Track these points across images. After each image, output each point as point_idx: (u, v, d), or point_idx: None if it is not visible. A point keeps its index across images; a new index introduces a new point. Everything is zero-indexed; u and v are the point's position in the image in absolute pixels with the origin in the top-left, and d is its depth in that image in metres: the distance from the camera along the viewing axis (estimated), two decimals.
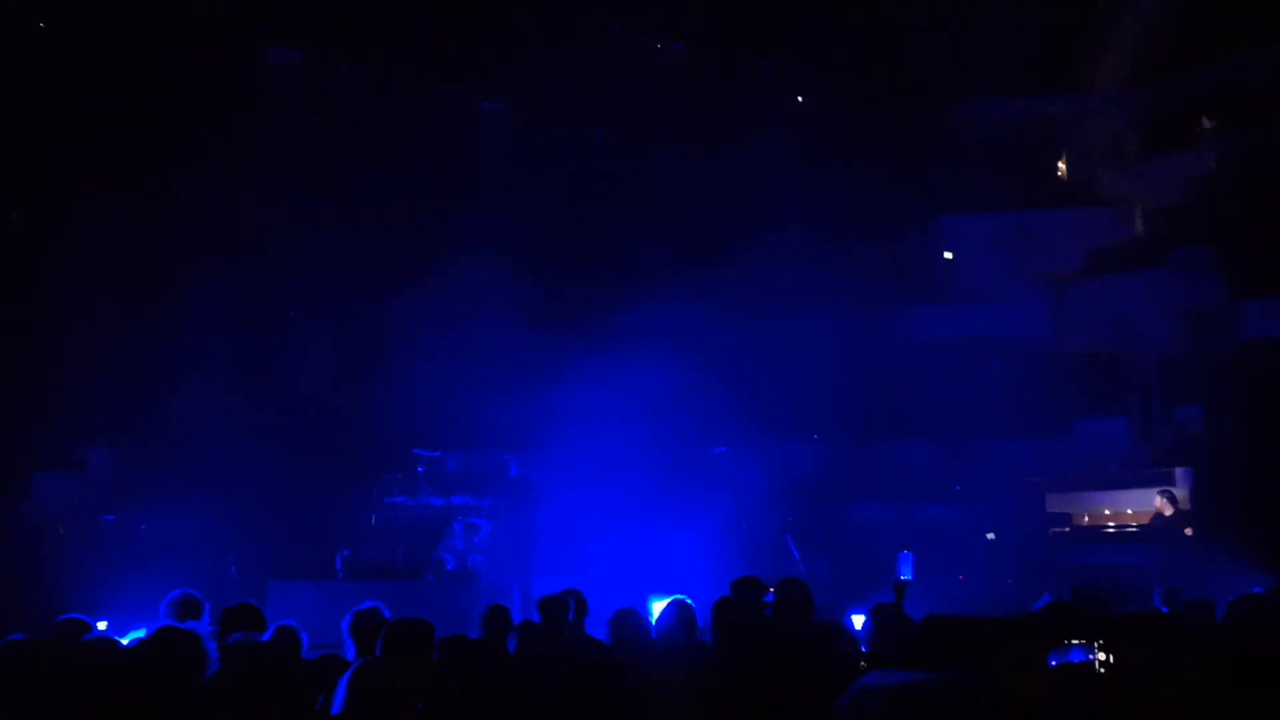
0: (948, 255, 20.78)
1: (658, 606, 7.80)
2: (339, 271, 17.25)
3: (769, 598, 7.41)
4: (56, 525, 13.85)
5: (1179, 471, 14.98)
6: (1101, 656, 4.61)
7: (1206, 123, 19.98)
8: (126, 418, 15.40)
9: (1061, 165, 21.89)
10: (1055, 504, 15.18)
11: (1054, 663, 4.80)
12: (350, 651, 6.35)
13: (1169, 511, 13.72)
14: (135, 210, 16.09)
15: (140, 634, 6.78)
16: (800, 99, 20.40)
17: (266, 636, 6.39)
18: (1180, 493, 14.36)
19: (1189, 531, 13.24)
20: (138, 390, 15.54)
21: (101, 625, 8.93)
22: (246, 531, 13.70)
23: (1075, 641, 4.82)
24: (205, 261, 16.34)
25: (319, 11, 17.39)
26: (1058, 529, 14.34)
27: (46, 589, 11.93)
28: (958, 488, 15.72)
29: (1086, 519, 14.67)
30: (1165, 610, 8.89)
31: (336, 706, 5.14)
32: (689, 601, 6.97)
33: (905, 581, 7.90)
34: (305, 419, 15.62)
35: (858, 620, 7.75)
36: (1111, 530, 14.06)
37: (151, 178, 16.40)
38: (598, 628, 7.46)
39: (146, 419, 15.34)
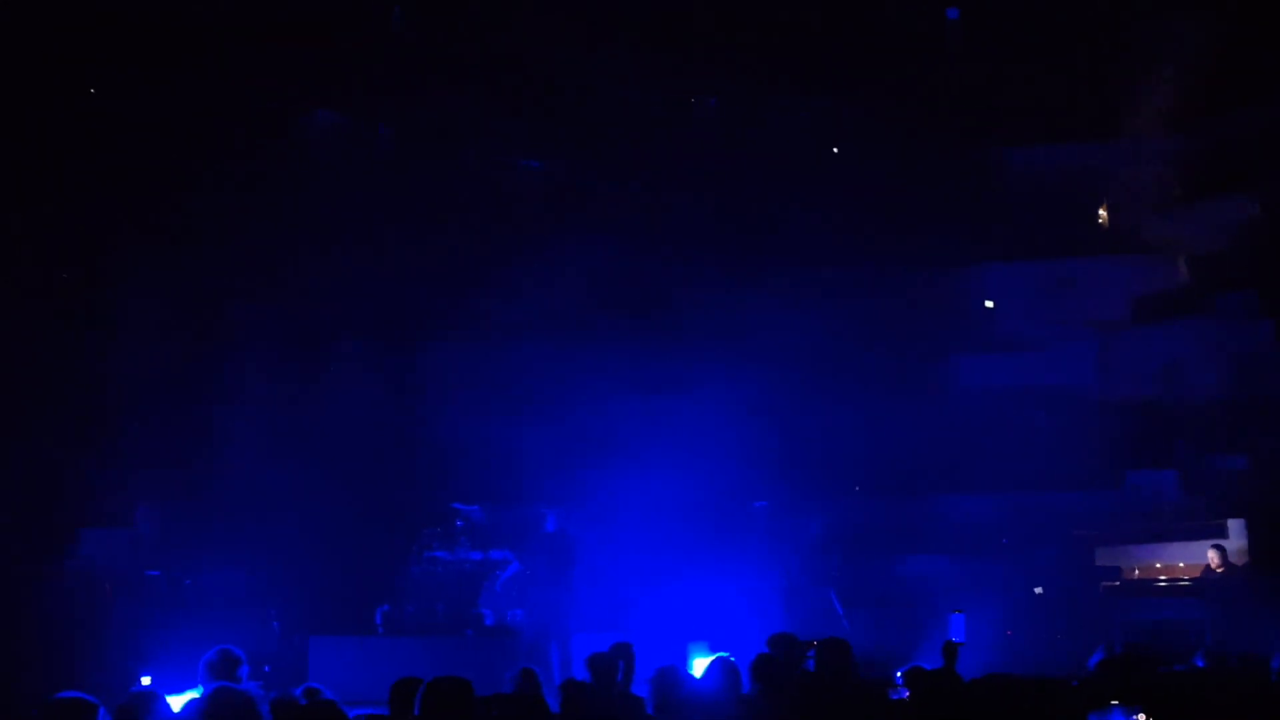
0: (989, 304, 20.63)
1: (700, 664, 7.73)
2: (380, 327, 17.41)
3: (811, 652, 7.33)
4: (103, 581, 13.96)
5: (1231, 523, 14.68)
6: (1142, 718, 4.48)
7: (1250, 167, 19.77)
8: (172, 474, 15.56)
9: (1104, 212, 21.73)
10: (1104, 557, 14.90)
11: None
12: None
13: (1221, 566, 13.42)
14: (182, 268, 16.38)
15: (196, 693, 6.81)
16: (836, 149, 20.42)
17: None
18: (1233, 545, 14.06)
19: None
20: (183, 447, 15.71)
21: (145, 680, 8.99)
22: (289, 587, 13.76)
23: (1115, 703, 4.70)
24: (250, 318, 16.56)
25: (361, 75, 17.74)
26: (1107, 583, 14.06)
27: (93, 644, 12.02)
28: (1004, 541, 15.47)
29: (1137, 572, 14.38)
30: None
31: None
32: (733, 660, 6.90)
33: (957, 644, 7.76)
34: (346, 474, 15.70)
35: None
36: (1163, 584, 13.77)
37: (197, 236, 16.70)
38: (641, 685, 7.39)
39: (191, 475, 15.49)
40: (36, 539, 13.93)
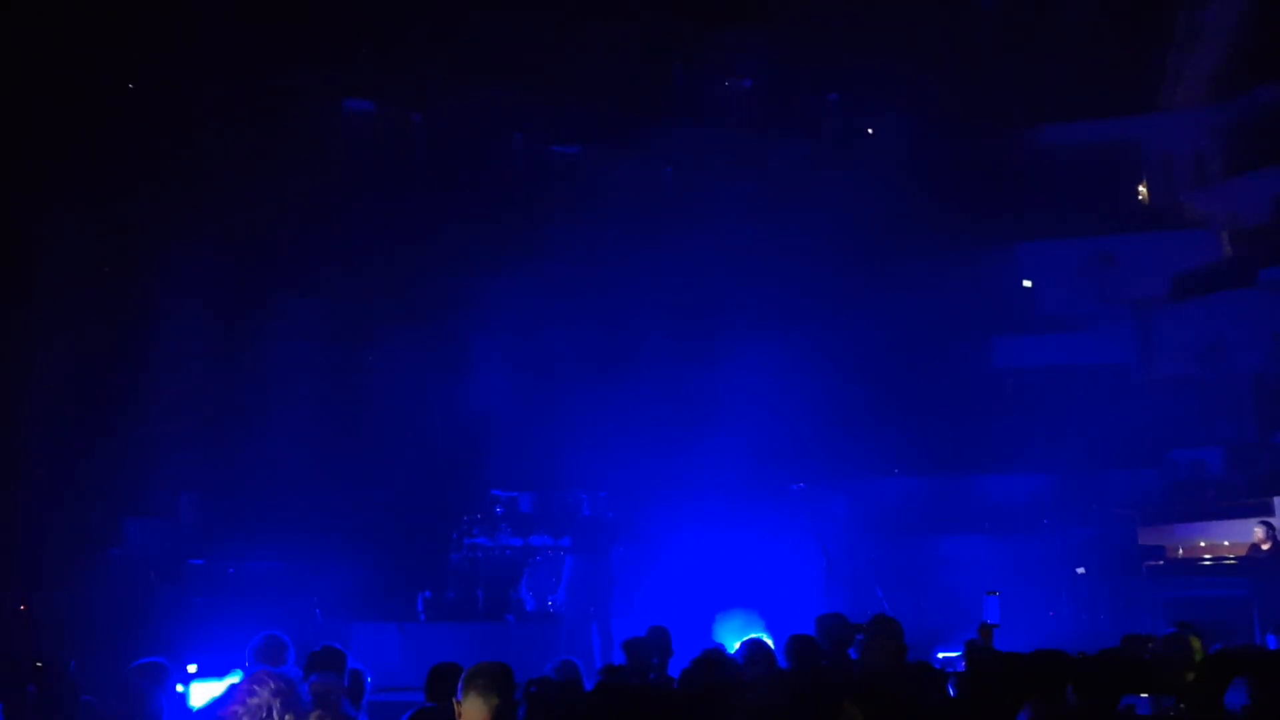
0: (1027, 283, 20.44)
1: (735, 645, 7.73)
2: (417, 315, 17.49)
3: (859, 638, 7.29)
4: (147, 570, 14.14)
5: (1277, 500, 14.48)
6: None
7: None
8: (215, 464, 15.73)
9: (1143, 188, 21.46)
10: (1148, 536, 14.75)
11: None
12: None
13: (1267, 542, 13.24)
14: (220, 259, 16.53)
15: (236, 677, 6.90)
16: (870, 131, 20.28)
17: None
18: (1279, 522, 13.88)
19: None
20: (225, 437, 15.88)
21: (191, 668, 9.10)
22: (331, 574, 13.88)
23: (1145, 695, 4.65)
24: (289, 309, 16.70)
25: (391, 64, 17.79)
26: (1151, 562, 13.91)
27: (138, 633, 12.19)
28: (1045, 520, 15.34)
29: (1181, 551, 14.23)
30: (1274, 644, 8.54)
31: None
32: (764, 639, 6.90)
33: (992, 625, 7.73)
34: (386, 462, 15.82)
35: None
36: (1208, 563, 13.61)
37: (235, 227, 16.84)
38: (677, 668, 7.39)
39: (234, 465, 15.66)
40: (82, 529, 14.14)
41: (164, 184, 16.44)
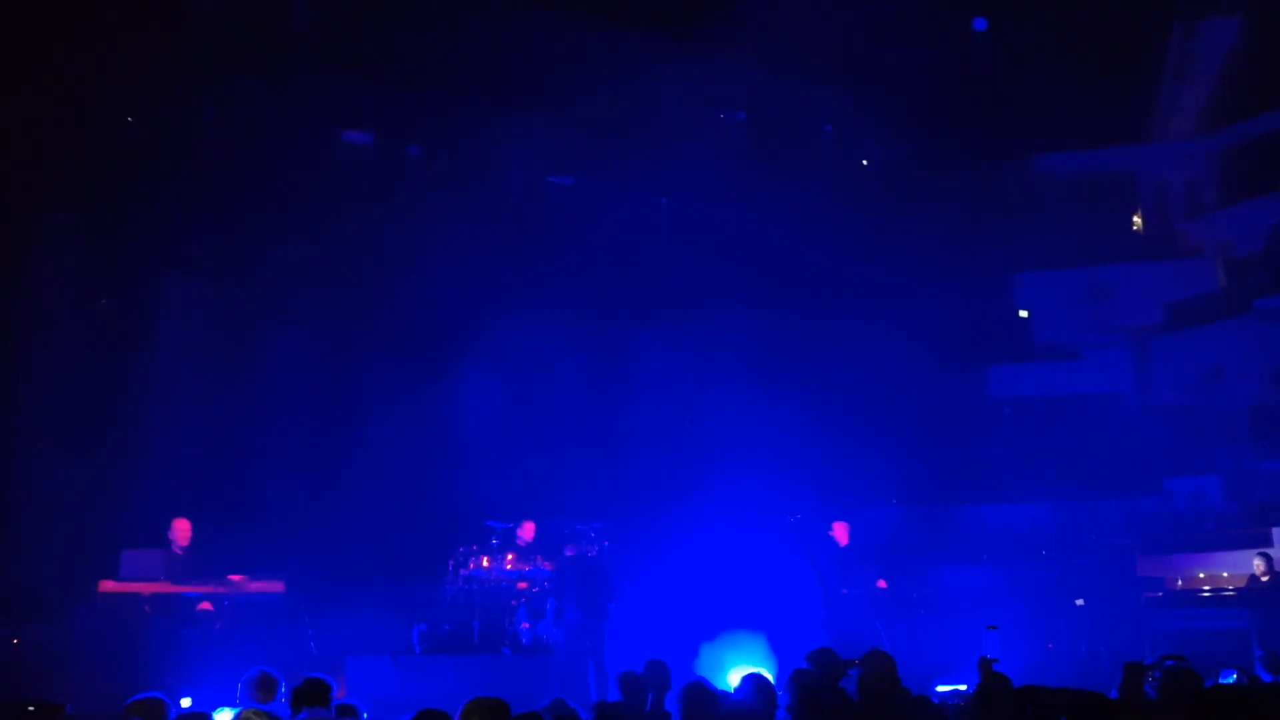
0: (1023, 313, 20.48)
1: (734, 678, 7.68)
2: (412, 345, 17.49)
3: (853, 672, 7.24)
4: (142, 601, 14.05)
5: (1276, 531, 14.45)
6: None
7: None
8: (209, 495, 15.66)
9: (1137, 218, 21.54)
10: (1147, 567, 14.71)
11: None
12: None
13: (1267, 574, 13.19)
14: (217, 291, 16.55)
15: (226, 714, 6.88)
16: (865, 161, 20.36)
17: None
18: (1279, 553, 13.84)
19: None
20: (220, 468, 15.83)
21: (185, 702, 9.03)
22: (325, 606, 13.80)
23: None
24: (282, 338, 16.69)
25: (389, 95, 17.86)
26: (1150, 593, 13.87)
27: (133, 665, 12.11)
28: (1043, 551, 15.30)
29: (1180, 582, 14.18)
30: (1267, 678, 8.53)
31: None
32: (765, 674, 6.85)
33: (991, 660, 7.69)
34: (382, 493, 15.76)
35: None
36: (1207, 594, 13.56)
37: (232, 258, 16.86)
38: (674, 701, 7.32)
39: (228, 496, 15.59)
40: (76, 560, 14.06)
41: (159, 213, 16.46)
